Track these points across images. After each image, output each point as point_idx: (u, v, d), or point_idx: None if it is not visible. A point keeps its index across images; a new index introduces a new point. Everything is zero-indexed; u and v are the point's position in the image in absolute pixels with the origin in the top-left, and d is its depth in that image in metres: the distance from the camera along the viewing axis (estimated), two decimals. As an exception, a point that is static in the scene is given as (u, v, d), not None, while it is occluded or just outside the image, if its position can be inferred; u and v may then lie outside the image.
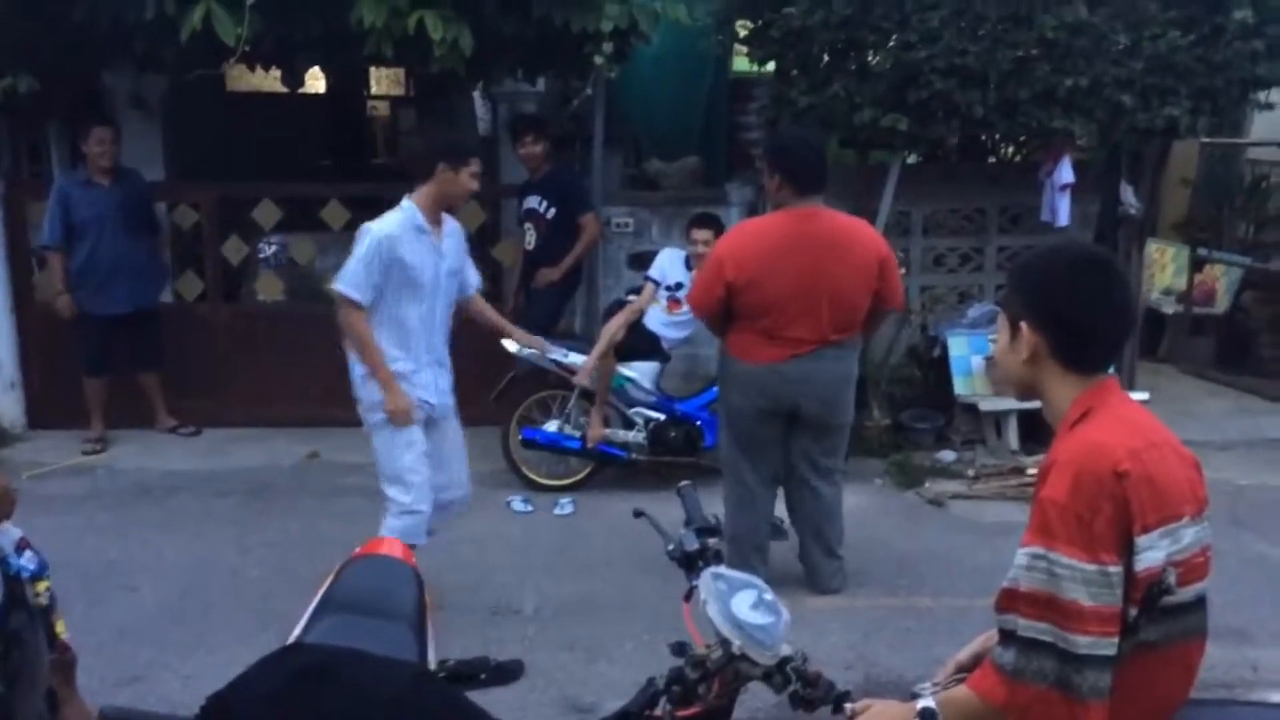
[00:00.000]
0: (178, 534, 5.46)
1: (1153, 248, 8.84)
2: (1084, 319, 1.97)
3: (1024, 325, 2.01)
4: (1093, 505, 1.82)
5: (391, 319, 4.30)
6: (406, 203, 4.33)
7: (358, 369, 4.38)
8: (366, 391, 4.38)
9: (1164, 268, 9.17)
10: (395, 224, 4.25)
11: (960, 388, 6.76)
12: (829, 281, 4.41)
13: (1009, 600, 1.90)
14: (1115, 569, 1.81)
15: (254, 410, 7.00)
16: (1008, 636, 1.90)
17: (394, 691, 1.69)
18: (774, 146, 4.68)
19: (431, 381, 4.44)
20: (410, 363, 4.36)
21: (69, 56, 6.26)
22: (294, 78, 6.95)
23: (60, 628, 2.93)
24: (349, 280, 4.22)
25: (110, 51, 6.34)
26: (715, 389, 6.27)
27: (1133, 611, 1.85)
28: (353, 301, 4.22)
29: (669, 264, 6.16)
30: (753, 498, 4.75)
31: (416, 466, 4.40)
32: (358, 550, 2.92)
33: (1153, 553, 1.84)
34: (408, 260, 4.23)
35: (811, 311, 4.42)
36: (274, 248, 8.07)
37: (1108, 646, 1.81)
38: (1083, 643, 1.81)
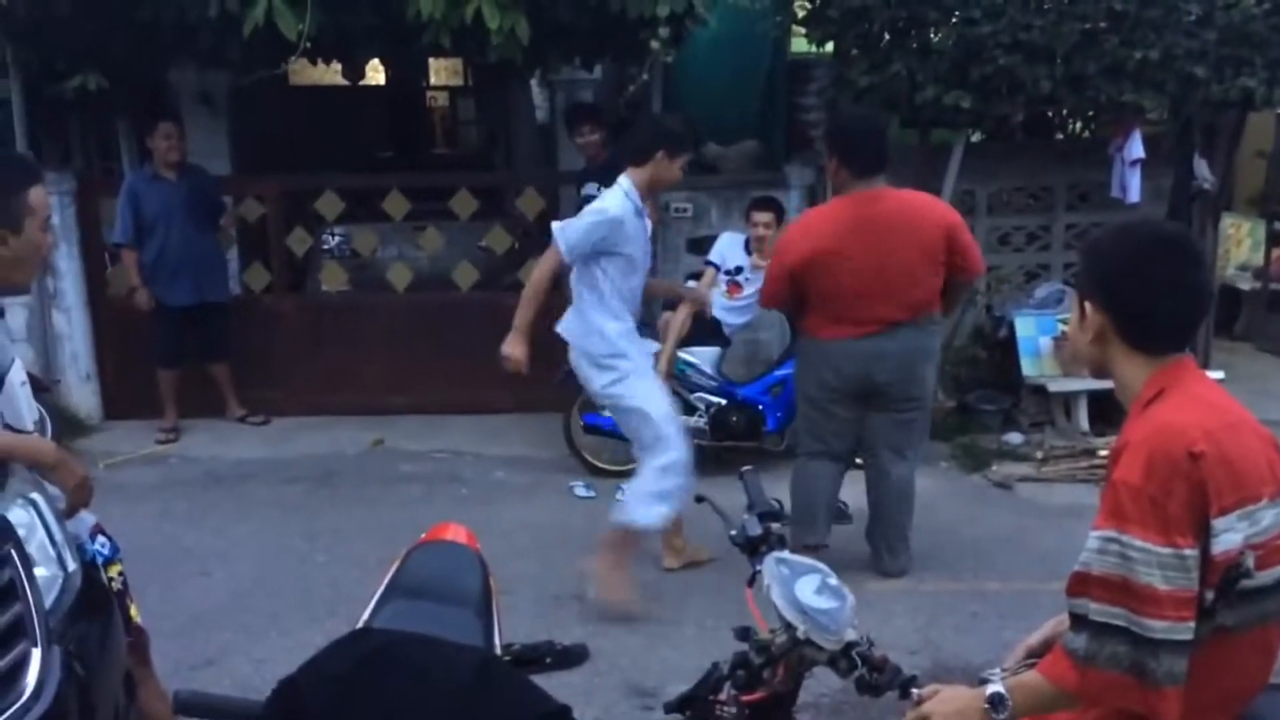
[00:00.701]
0: (248, 521, 5.57)
1: (1228, 223, 8.58)
2: (1147, 301, 1.91)
3: (1089, 305, 1.97)
4: (1167, 487, 1.78)
5: (617, 290, 4.44)
6: (626, 183, 4.44)
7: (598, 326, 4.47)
8: (606, 345, 4.47)
9: (1240, 243, 8.92)
10: (620, 207, 4.37)
11: (1028, 369, 6.64)
12: (895, 262, 4.39)
13: (1080, 584, 1.86)
14: (1191, 552, 1.77)
15: (320, 399, 7.11)
16: (1079, 621, 1.87)
17: (461, 676, 1.70)
18: (831, 128, 4.71)
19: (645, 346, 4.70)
20: (630, 331, 4.53)
21: (136, 55, 6.39)
22: (354, 70, 7.05)
23: (134, 611, 3.02)
24: (568, 237, 4.37)
25: (176, 49, 6.46)
26: (776, 373, 6.26)
27: (1209, 595, 1.80)
28: (558, 251, 4.38)
29: (729, 248, 6.12)
30: (814, 478, 4.74)
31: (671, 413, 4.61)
32: (423, 536, 2.95)
33: (1230, 535, 1.79)
34: (629, 239, 4.39)
35: (880, 295, 4.42)
36: (337, 238, 8.18)
37: (1184, 631, 1.77)
38: (1158, 627, 1.77)
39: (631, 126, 4.86)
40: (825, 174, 4.77)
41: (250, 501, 5.86)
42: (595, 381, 4.53)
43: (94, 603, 2.65)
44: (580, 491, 5.96)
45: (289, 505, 5.82)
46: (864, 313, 4.45)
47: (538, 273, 4.43)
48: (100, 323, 7.14)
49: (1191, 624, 1.77)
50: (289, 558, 5.13)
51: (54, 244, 6.86)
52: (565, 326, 4.59)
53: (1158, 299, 1.91)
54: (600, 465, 6.20)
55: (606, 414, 6.07)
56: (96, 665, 2.50)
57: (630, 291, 4.50)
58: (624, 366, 4.47)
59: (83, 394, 7.10)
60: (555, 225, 4.49)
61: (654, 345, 6.01)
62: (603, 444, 6.22)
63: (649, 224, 4.56)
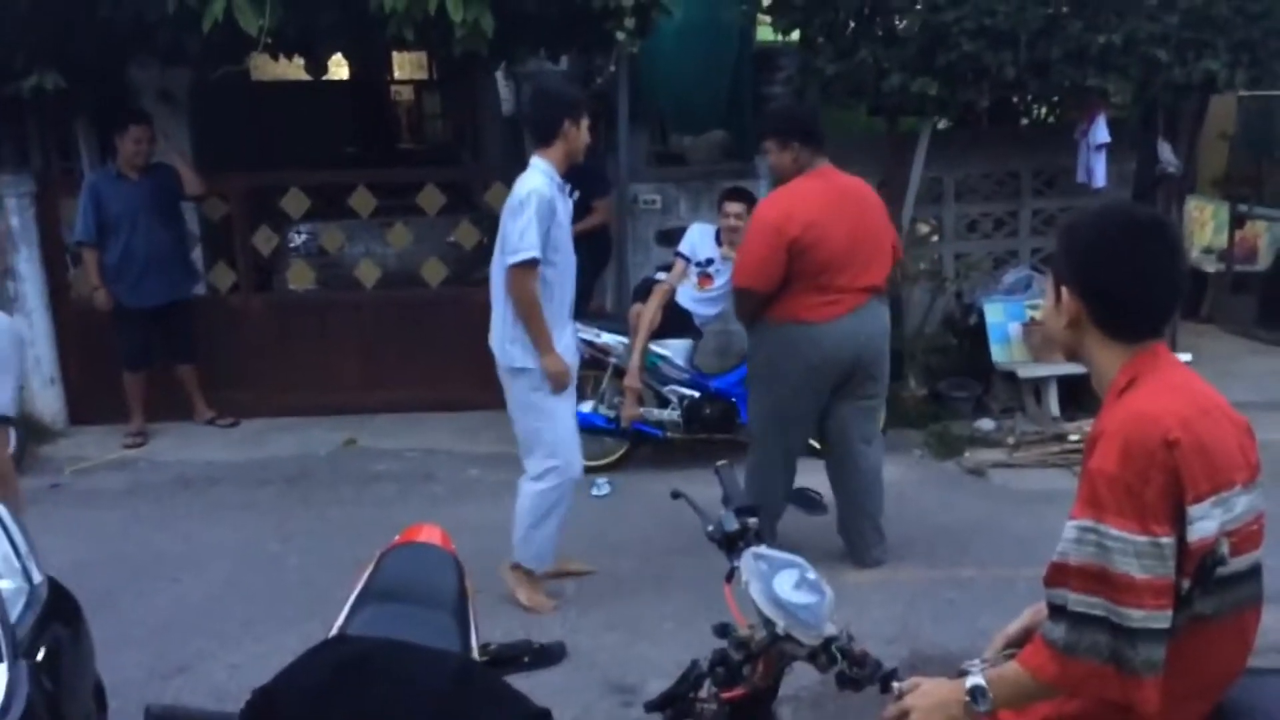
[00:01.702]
0: (220, 524, 5.50)
1: (1192, 205, 8.66)
2: (1127, 289, 1.90)
3: (1065, 290, 1.96)
4: (1143, 475, 1.78)
5: (541, 279, 4.23)
6: (542, 163, 4.24)
7: (518, 336, 4.26)
8: (525, 359, 4.28)
9: (1204, 225, 9.00)
10: (545, 184, 4.18)
11: (998, 355, 6.68)
12: (870, 230, 4.61)
13: (1059, 574, 1.86)
14: (1168, 540, 1.77)
15: (290, 399, 7.04)
16: (1058, 611, 1.86)
17: (439, 683, 1.68)
18: (786, 117, 4.77)
19: (571, 344, 4.46)
20: (555, 325, 4.30)
21: (94, 53, 6.28)
22: (317, 65, 6.94)
23: None
24: (529, 242, 4.09)
25: (135, 47, 6.35)
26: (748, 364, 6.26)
27: (1185, 583, 1.80)
28: (530, 262, 4.12)
29: (699, 239, 6.11)
30: (778, 468, 4.76)
31: (574, 432, 4.52)
32: (397, 538, 2.92)
33: (1205, 523, 1.79)
34: (560, 219, 4.22)
35: (862, 261, 4.57)
36: (304, 236, 8.10)
37: (1162, 620, 1.77)
38: (1136, 616, 1.76)
39: (531, 106, 4.64)
40: (775, 169, 4.76)
41: (221, 505, 5.79)
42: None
43: (61, 614, 2.60)
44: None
45: (261, 508, 5.75)
46: (851, 281, 4.54)
47: (525, 295, 4.17)
48: (63, 326, 7.02)
49: (1169, 613, 1.77)
50: (261, 561, 5.08)
51: (14, 248, 6.75)
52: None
53: (1135, 286, 1.90)
54: (574, 460, 6.16)
55: (580, 408, 6.07)
56: (65, 678, 2.46)
57: (557, 279, 4.29)
58: (535, 387, 4.34)
59: (47, 399, 6.99)
60: (509, 251, 4.15)
61: (622, 339, 6.01)
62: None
63: (570, 205, 4.39)
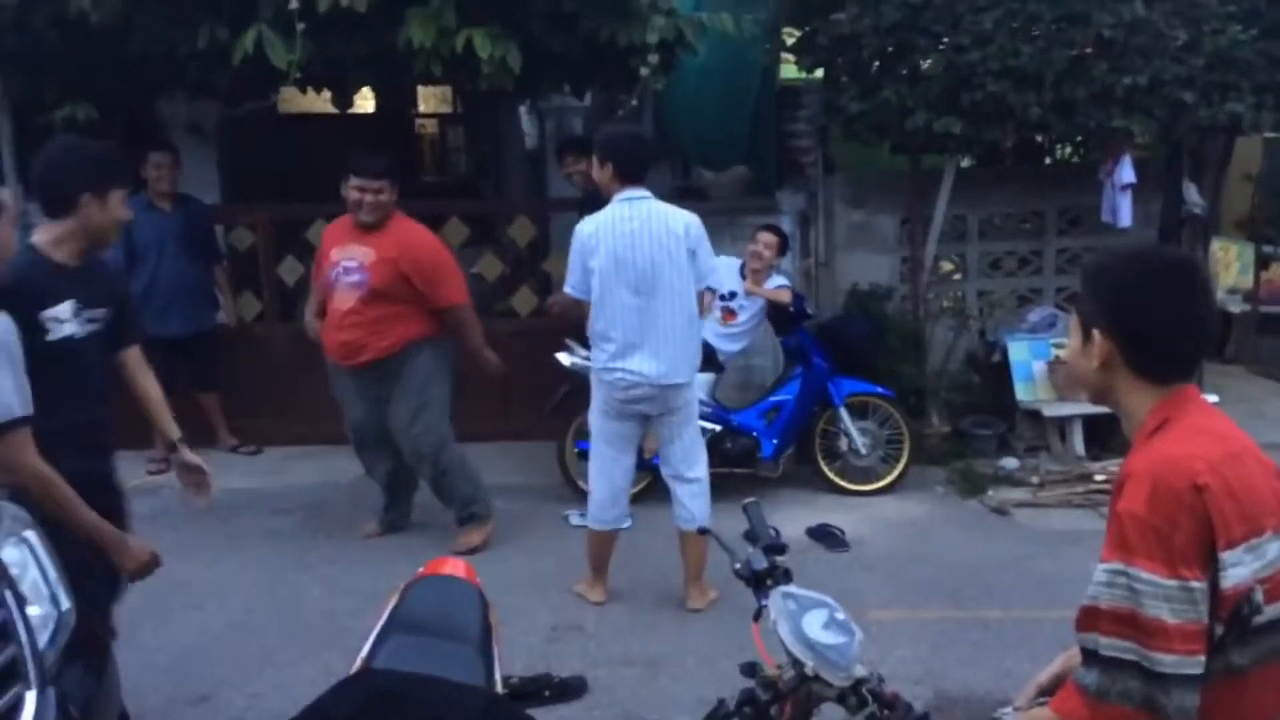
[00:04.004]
0: (241, 553, 5.52)
1: (1216, 246, 8.64)
2: (1161, 331, 1.89)
3: (1096, 332, 1.94)
4: (1171, 519, 1.76)
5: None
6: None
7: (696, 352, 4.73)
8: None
9: (1228, 266, 8.96)
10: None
11: (1022, 393, 6.65)
12: None
13: (1090, 619, 1.83)
14: (1198, 584, 1.74)
15: (312, 428, 7.04)
16: (1090, 656, 1.84)
17: (466, 718, 1.67)
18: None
19: None
20: None
21: (125, 86, 6.38)
22: (344, 99, 7.02)
23: None
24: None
25: (165, 79, 6.44)
26: (771, 399, 6.25)
27: (1219, 630, 1.78)
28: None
29: (724, 273, 6.11)
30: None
31: None
32: (422, 570, 2.92)
33: (1239, 569, 1.77)
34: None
35: None
36: (328, 267, 8.12)
37: (1194, 665, 1.74)
38: (1167, 661, 1.74)
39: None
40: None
41: (243, 533, 5.80)
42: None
43: (88, 641, 2.61)
44: (575, 520, 5.90)
45: (282, 536, 5.76)
46: None
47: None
48: (89, 353, 7.06)
49: (1201, 658, 1.75)
50: (283, 590, 5.08)
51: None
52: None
53: (1168, 327, 1.89)
54: (595, 493, 6.15)
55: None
56: (91, 706, 2.46)
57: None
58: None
59: (71, 425, 7.01)
60: (702, 277, 4.66)
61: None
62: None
63: None
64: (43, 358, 2.96)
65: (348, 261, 5.28)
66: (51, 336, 3.15)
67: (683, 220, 4.54)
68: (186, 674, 4.24)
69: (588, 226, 4.57)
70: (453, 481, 5.48)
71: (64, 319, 3.19)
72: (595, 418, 4.72)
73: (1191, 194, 6.81)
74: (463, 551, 5.13)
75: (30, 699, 2.21)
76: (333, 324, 5.35)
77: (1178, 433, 1.86)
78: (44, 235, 3.25)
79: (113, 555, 3.04)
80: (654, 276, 4.46)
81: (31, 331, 2.96)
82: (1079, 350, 1.99)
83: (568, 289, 4.69)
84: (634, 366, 4.50)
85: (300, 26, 5.37)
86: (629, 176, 4.58)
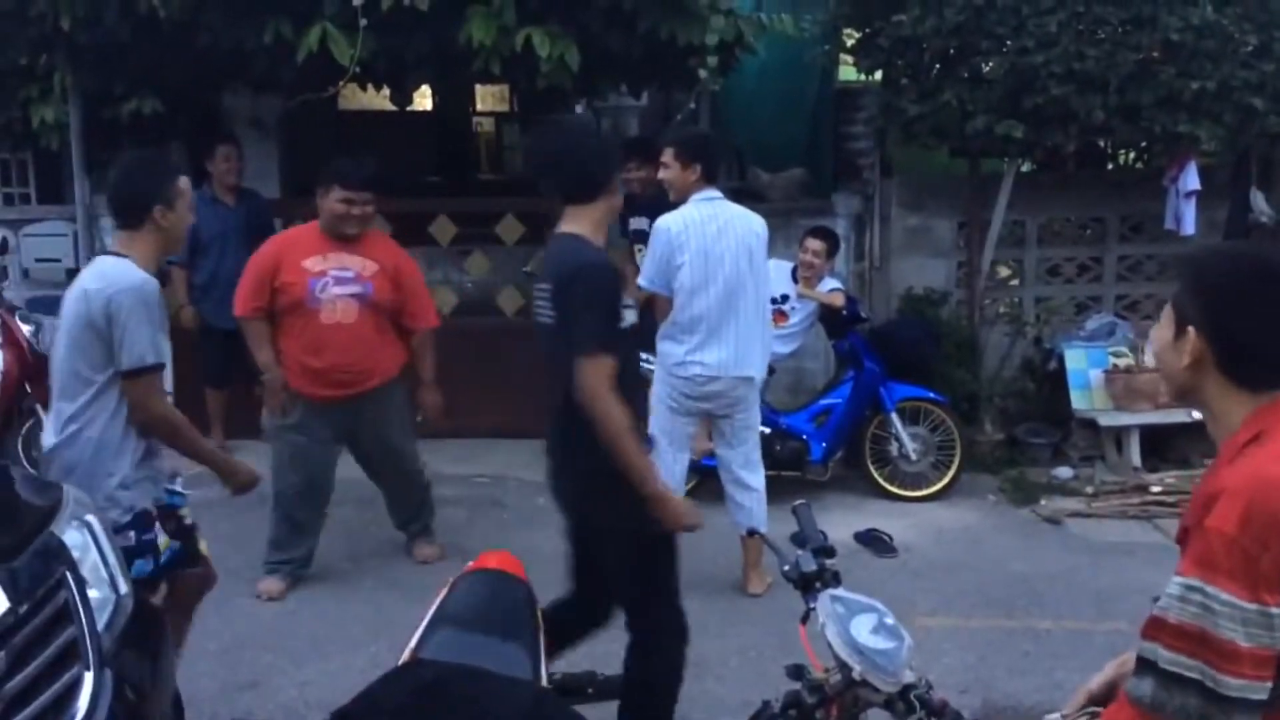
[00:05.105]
0: (293, 542, 5.57)
1: (1283, 256, 8.43)
2: (1259, 335, 1.81)
3: (1191, 330, 1.88)
4: (1262, 542, 1.70)
5: None
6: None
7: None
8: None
9: (1295, 277, 8.74)
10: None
11: (1078, 402, 6.54)
12: None
13: (1155, 629, 1.79)
14: (1278, 611, 1.70)
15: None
16: (1146, 666, 1.80)
17: (513, 711, 1.68)
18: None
19: None
20: None
21: (191, 80, 6.50)
22: (403, 96, 7.10)
23: (203, 546, 3.59)
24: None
25: (230, 74, 6.56)
26: (821, 402, 6.21)
27: None
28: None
29: (775, 276, 6.08)
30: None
31: None
32: (471, 564, 2.94)
33: None
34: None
35: None
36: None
37: (1260, 691, 1.70)
38: (1234, 685, 1.69)
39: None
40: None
41: (294, 523, 5.86)
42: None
43: (145, 624, 2.66)
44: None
45: (333, 528, 5.80)
46: None
47: None
48: (151, 342, 7.19)
49: (1268, 684, 1.70)
50: (332, 580, 5.14)
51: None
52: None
53: (1268, 333, 1.82)
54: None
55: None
56: (147, 688, 2.51)
57: None
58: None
59: (132, 413, 7.15)
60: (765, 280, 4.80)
61: None
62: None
63: None
64: None
65: (339, 272, 4.80)
66: None
67: (759, 221, 4.72)
68: (237, 660, 4.31)
69: (674, 224, 4.59)
70: (425, 495, 5.46)
71: None
72: (659, 413, 4.72)
73: (1260, 202, 6.67)
74: (425, 563, 5.20)
75: (88, 679, 2.27)
76: (317, 347, 4.80)
77: (1275, 448, 1.80)
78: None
79: (224, 477, 3.86)
80: (737, 275, 4.55)
81: None
82: (1169, 344, 1.91)
83: (644, 283, 4.69)
84: (710, 359, 4.58)
85: (363, 23, 5.44)
86: (711, 177, 4.68)
